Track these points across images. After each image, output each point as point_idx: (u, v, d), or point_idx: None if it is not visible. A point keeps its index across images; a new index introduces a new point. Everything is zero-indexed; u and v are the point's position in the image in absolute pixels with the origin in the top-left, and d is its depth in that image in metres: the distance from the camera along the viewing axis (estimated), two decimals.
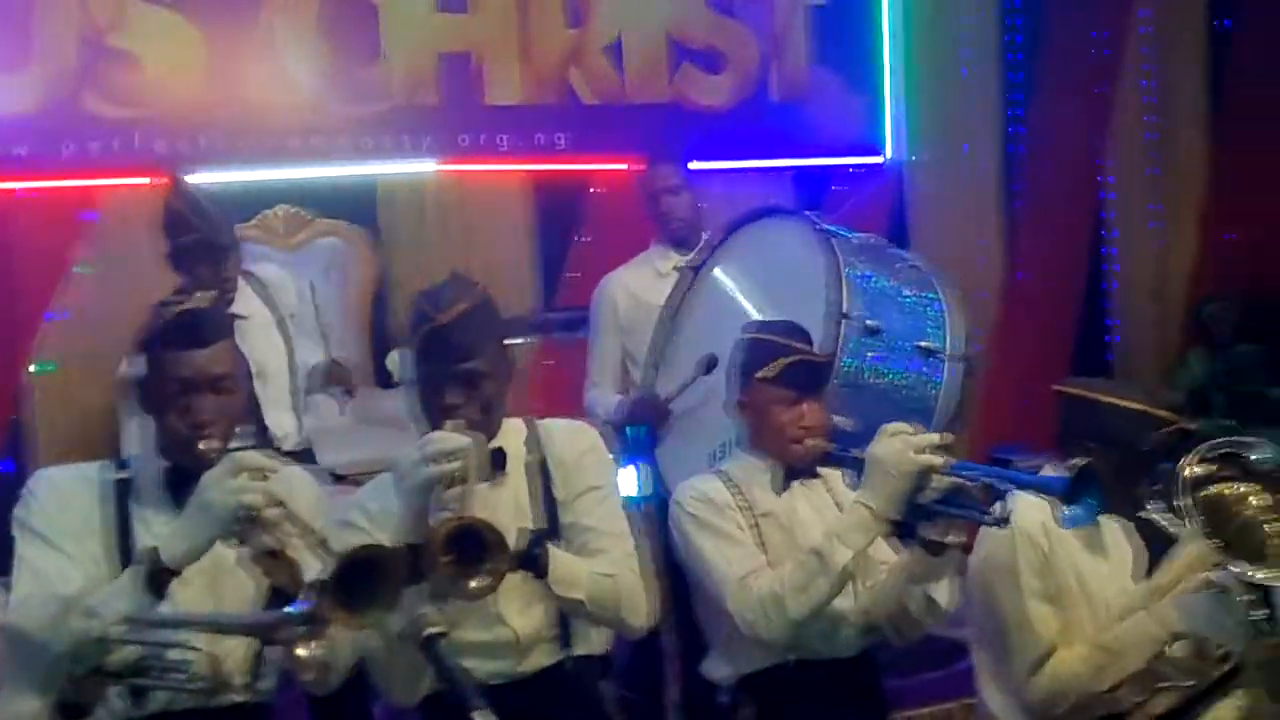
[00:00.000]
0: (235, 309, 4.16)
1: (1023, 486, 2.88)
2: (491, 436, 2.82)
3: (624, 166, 6.09)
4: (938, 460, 2.85)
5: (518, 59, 6.51)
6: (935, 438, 2.90)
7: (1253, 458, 3.08)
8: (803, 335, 3.25)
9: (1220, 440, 3.12)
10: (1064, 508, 2.72)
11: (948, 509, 2.88)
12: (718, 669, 3.21)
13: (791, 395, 3.14)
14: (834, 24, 7.17)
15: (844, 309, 3.69)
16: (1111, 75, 7.82)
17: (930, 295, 3.98)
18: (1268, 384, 7.56)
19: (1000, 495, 2.85)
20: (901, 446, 2.88)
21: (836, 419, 3.31)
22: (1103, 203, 7.94)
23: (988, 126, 7.62)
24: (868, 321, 3.72)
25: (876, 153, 7.38)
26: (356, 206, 6.25)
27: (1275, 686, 3.46)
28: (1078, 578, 3.11)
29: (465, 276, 2.94)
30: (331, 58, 6.15)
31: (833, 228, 4.03)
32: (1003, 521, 2.84)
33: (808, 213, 4.17)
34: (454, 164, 6.41)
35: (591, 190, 6.72)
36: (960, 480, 2.86)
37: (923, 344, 3.81)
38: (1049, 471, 3.19)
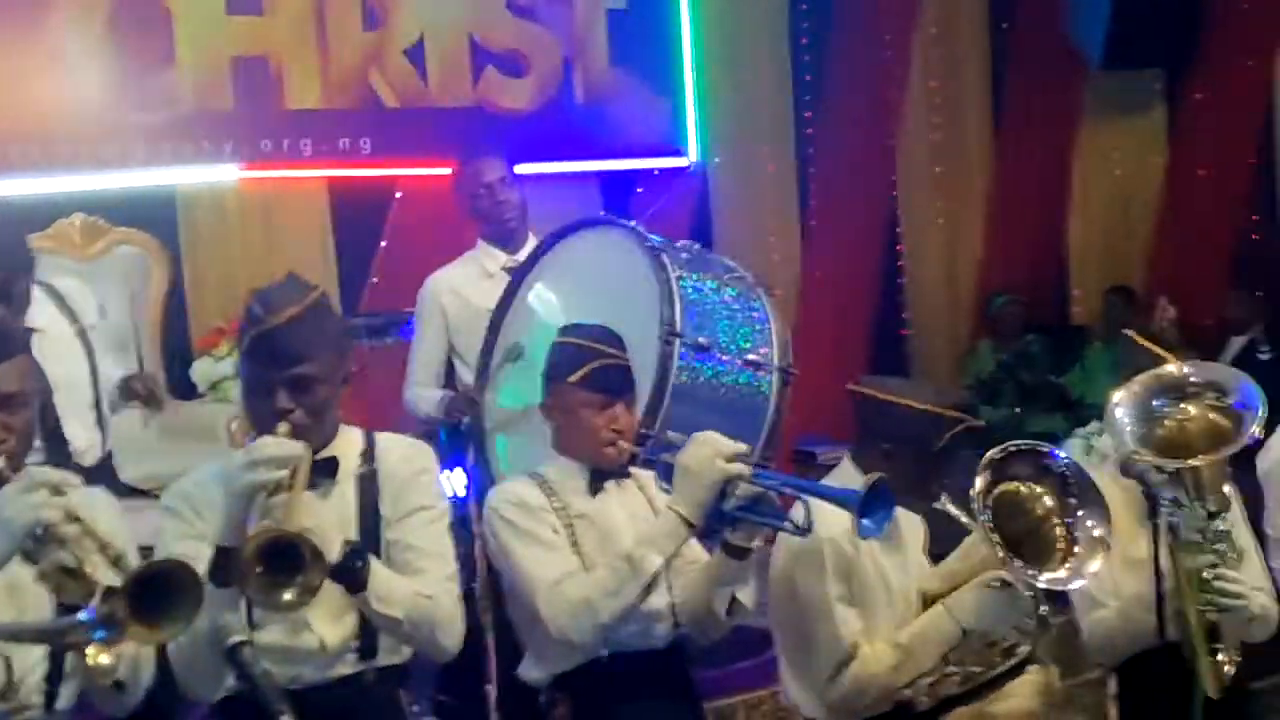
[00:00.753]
0: (31, 321, 4.03)
1: (821, 498, 2.97)
2: (324, 443, 2.80)
3: (446, 170, 6.09)
4: (743, 469, 2.93)
5: (316, 62, 6.45)
6: (743, 447, 2.99)
7: (1047, 460, 3.20)
8: (613, 339, 3.28)
9: (1019, 441, 3.24)
10: (859, 520, 2.83)
11: (750, 516, 2.97)
12: (533, 670, 3.24)
13: (601, 399, 3.17)
14: (633, 27, 7.27)
15: (676, 327, 3.75)
16: (899, 77, 8.06)
17: (754, 304, 4.05)
18: (1051, 372, 7.89)
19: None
20: (710, 454, 2.95)
21: (669, 434, 3.36)
22: (894, 202, 8.19)
23: (781, 128, 7.80)
24: (699, 338, 3.78)
25: (680, 154, 7.49)
26: (157, 214, 6.13)
27: (1066, 662, 3.66)
28: (879, 575, 3.20)
29: (300, 278, 2.89)
30: (124, 62, 6.01)
31: (659, 240, 4.06)
32: (804, 530, 2.93)
33: (635, 225, 4.19)
34: (255, 170, 6.31)
35: (397, 195, 6.69)
36: (763, 489, 2.95)
37: (751, 356, 3.89)
38: (849, 465, 3.33)
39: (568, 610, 3.02)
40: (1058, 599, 3.34)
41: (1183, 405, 3.39)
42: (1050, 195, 8.43)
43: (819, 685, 3.21)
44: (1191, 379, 3.42)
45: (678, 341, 3.73)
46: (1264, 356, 7.53)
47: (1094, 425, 4.65)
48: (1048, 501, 3.16)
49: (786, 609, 3.27)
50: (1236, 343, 7.71)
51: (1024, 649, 3.24)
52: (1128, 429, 3.36)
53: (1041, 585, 3.07)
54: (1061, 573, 3.10)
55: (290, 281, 2.87)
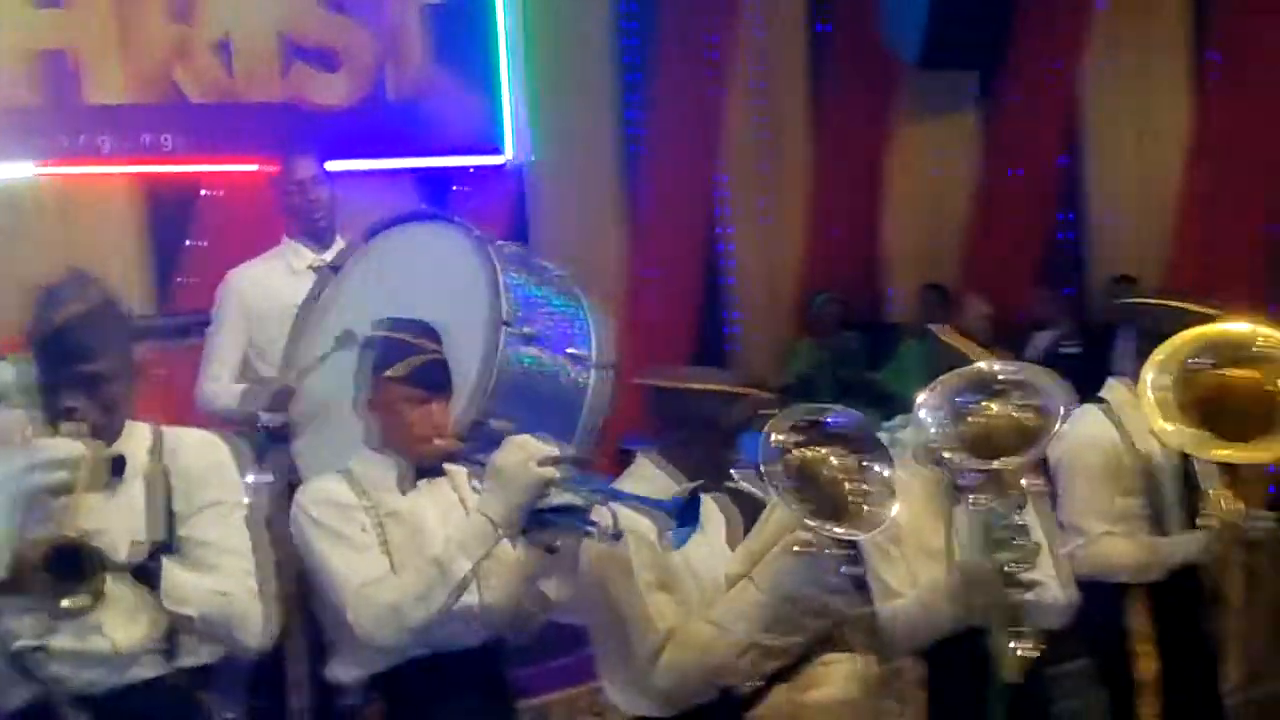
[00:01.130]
0: None
1: (634, 507, 2.97)
2: (112, 441, 2.72)
3: (254, 167, 5.94)
4: (554, 474, 2.92)
5: (118, 56, 6.25)
6: (556, 451, 2.96)
7: (830, 422, 3.24)
8: (432, 334, 3.25)
9: (801, 407, 3.28)
10: (677, 529, 2.84)
11: (561, 520, 2.96)
12: (343, 671, 3.17)
13: (421, 394, 3.14)
14: (451, 23, 7.19)
15: (504, 315, 3.72)
16: (722, 78, 8.13)
17: (576, 304, 4.06)
18: (868, 369, 8.04)
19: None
20: (524, 458, 2.93)
21: (494, 422, 3.33)
22: (717, 200, 8.25)
23: (606, 127, 7.81)
24: (525, 329, 3.75)
25: (498, 153, 7.43)
26: None
27: (878, 649, 3.70)
28: (685, 558, 3.19)
29: (86, 274, 2.82)
30: None
31: (484, 234, 4.03)
32: (615, 536, 2.93)
33: (459, 219, 4.15)
34: (53, 167, 6.09)
35: (205, 192, 6.51)
36: (576, 494, 2.94)
37: (572, 350, 3.88)
38: (645, 460, 3.35)
39: (375, 615, 2.97)
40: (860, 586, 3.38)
41: (989, 403, 3.45)
42: (868, 194, 8.59)
43: (639, 675, 3.19)
44: (1000, 377, 3.49)
45: (505, 330, 3.70)
46: (1069, 351, 7.78)
47: (899, 419, 4.71)
48: (835, 462, 3.20)
49: (599, 604, 3.24)
50: (1043, 338, 7.94)
51: (835, 612, 3.26)
52: (934, 426, 3.41)
53: (841, 536, 3.09)
54: (860, 522, 3.14)
55: (74, 278, 2.79)
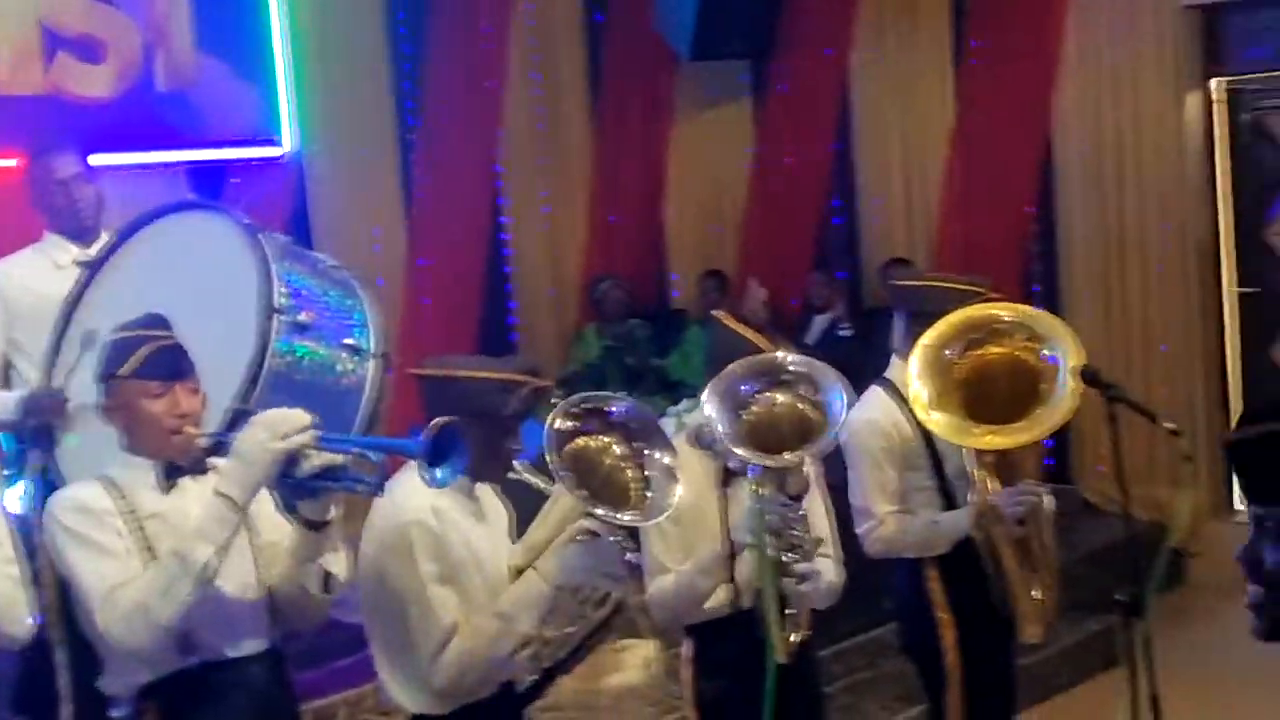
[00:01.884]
0: None
1: (387, 451, 2.97)
2: None
3: (13, 162, 5.69)
4: (299, 440, 2.87)
5: None
6: (306, 418, 2.91)
7: (611, 410, 3.27)
8: (160, 323, 3.14)
9: (580, 395, 3.31)
10: (430, 470, 2.83)
11: (327, 484, 2.92)
12: (113, 682, 3.09)
13: (157, 384, 3.03)
14: (220, 10, 7.01)
15: (275, 303, 3.65)
16: (499, 68, 8.11)
17: (351, 294, 4.02)
18: (655, 356, 8.13)
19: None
20: (263, 436, 2.88)
21: None
22: (498, 190, 8.24)
23: (383, 116, 7.72)
24: (299, 316, 3.69)
25: (274, 144, 7.29)
26: None
27: (661, 630, 3.77)
28: (470, 552, 3.19)
29: None
30: None
31: (254, 223, 3.96)
32: (377, 487, 2.91)
33: (227, 208, 4.07)
34: None
35: None
36: (336, 455, 2.91)
37: (348, 341, 3.84)
38: None
39: (122, 617, 2.89)
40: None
41: (772, 394, 3.53)
42: (648, 183, 8.68)
43: (421, 671, 3.16)
44: (788, 368, 3.57)
45: (278, 318, 3.64)
46: (844, 334, 8.02)
47: (685, 403, 4.83)
48: (617, 450, 3.24)
49: (379, 598, 3.20)
50: (820, 321, 8.15)
51: (614, 599, 3.28)
52: (718, 416, 3.46)
53: (624, 523, 3.12)
54: (643, 509, 3.18)
55: None
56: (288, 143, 7.32)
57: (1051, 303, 7.78)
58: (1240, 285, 7.69)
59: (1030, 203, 7.95)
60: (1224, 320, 7.76)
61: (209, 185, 6.91)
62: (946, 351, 3.86)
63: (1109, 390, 3.66)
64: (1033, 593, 4.02)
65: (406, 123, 7.81)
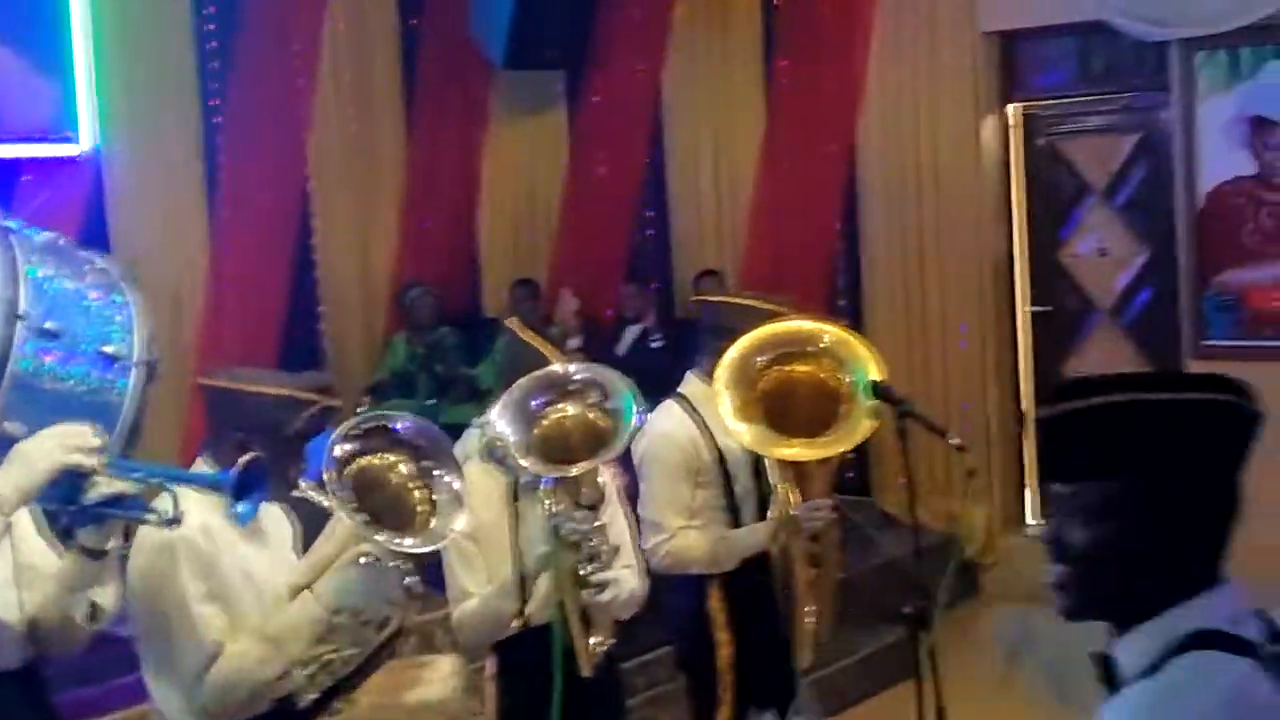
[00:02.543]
0: None
1: (191, 485, 2.88)
2: None
3: None
4: (89, 461, 2.76)
5: None
6: (94, 440, 2.82)
7: (396, 427, 3.22)
8: None
9: (362, 416, 3.25)
10: (234, 504, 2.75)
11: (112, 511, 2.81)
12: None
13: None
14: (16, 2, 6.75)
15: (19, 308, 3.50)
16: (309, 69, 7.95)
17: (117, 299, 3.86)
18: (465, 364, 8.07)
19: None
20: (50, 445, 2.77)
21: (6, 425, 3.12)
22: (307, 194, 8.08)
23: (187, 116, 7.49)
24: (46, 324, 3.54)
25: (71, 141, 7.04)
26: None
27: (467, 651, 3.74)
28: (242, 571, 3.12)
29: None
30: None
31: (14, 224, 3.79)
32: (174, 522, 2.80)
33: None
34: None
35: None
36: (125, 482, 2.81)
37: (107, 349, 3.70)
38: (203, 466, 3.21)
39: None
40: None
41: (562, 405, 3.52)
42: (461, 190, 8.61)
43: (186, 690, 3.07)
44: (574, 378, 3.57)
45: (20, 324, 3.49)
46: (656, 345, 8.09)
47: (489, 414, 4.77)
48: (404, 469, 3.18)
49: (146, 616, 3.11)
50: (631, 331, 8.21)
51: (395, 622, 3.23)
52: (509, 432, 3.44)
53: (406, 550, 3.08)
54: (425, 535, 3.13)
55: None
56: (85, 140, 7.07)
57: (855, 316, 7.97)
58: (1034, 303, 7.98)
59: (836, 219, 8.12)
60: (1018, 337, 8.04)
61: (1, 183, 6.64)
62: (758, 359, 3.90)
63: (900, 406, 3.77)
64: (807, 616, 4.06)
65: (212, 123, 7.59)
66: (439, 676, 3.64)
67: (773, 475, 4.01)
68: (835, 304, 8.14)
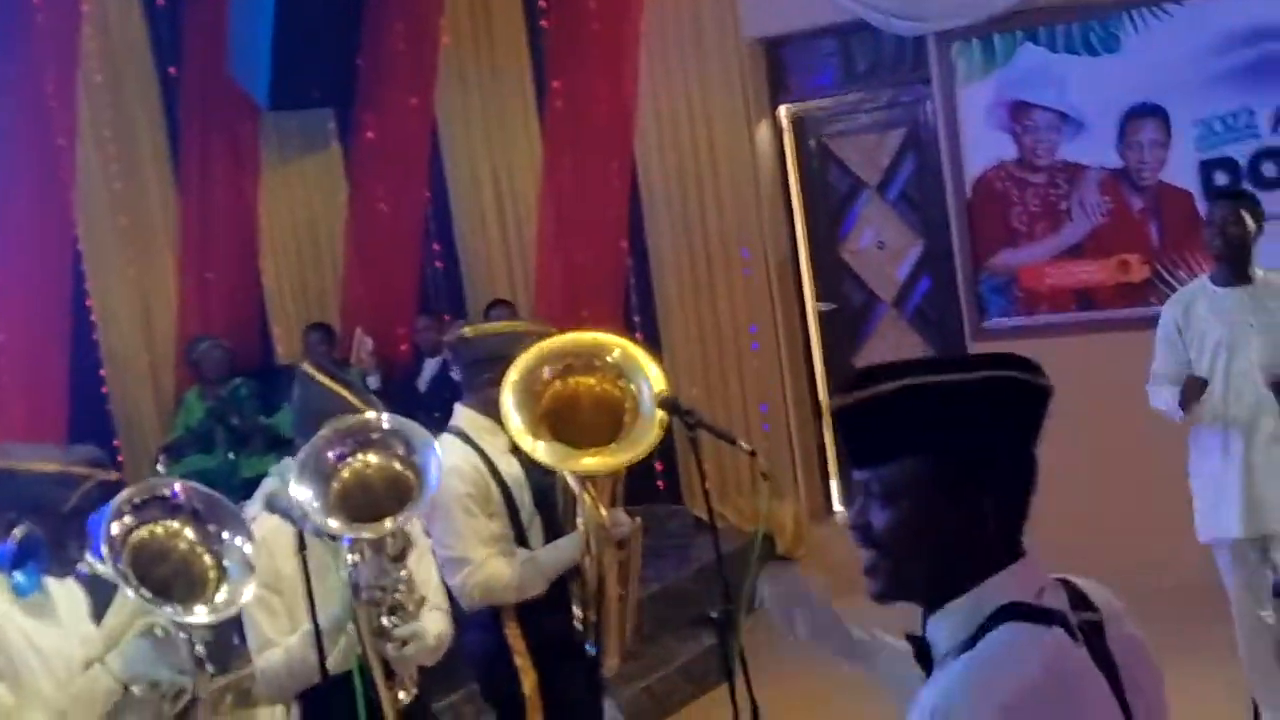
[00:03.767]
0: None
1: None
2: None
3: None
4: None
5: None
6: None
7: (170, 494, 3.16)
8: None
9: (131, 490, 3.17)
10: (13, 576, 2.66)
11: None
12: None
13: None
14: None
15: None
16: (67, 127, 7.67)
17: None
18: (262, 414, 7.89)
19: None
20: None
21: None
22: (78, 254, 7.81)
23: None
24: None
25: None
26: None
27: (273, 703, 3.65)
28: (30, 646, 3.03)
29: None
30: None
31: None
32: None
33: None
34: None
35: None
36: None
37: None
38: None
39: None
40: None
41: (363, 456, 3.46)
42: (239, 237, 8.43)
43: None
44: (379, 427, 3.51)
45: None
46: (457, 377, 8.00)
47: (288, 461, 4.69)
48: (189, 535, 3.12)
49: None
50: (431, 365, 8.13)
51: (188, 694, 3.14)
52: (307, 489, 3.37)
53: (190, 621, 3.02)
54: (214, 607, 3.07)
55: None
56: None
57: (651, 330, 8.03)
58: (820, 300, 8.15)
59: (623, 236, 8.17)
60: (809, 334, 8.20)
61: None
62: (542, 374, 3.90)
63: (688, 417, 3.81)
64: (615, 625, 4.07)
65: None
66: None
67: (575, 486, 4.00)
68: (630, 319, 8.19)
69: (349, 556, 3.37)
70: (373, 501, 3.40)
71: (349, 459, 3.43)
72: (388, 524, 3.36)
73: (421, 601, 3.48)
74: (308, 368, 3.81)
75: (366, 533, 3.34)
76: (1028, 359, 1.79)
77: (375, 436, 3.48)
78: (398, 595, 3.39)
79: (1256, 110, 6.59)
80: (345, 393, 3.61)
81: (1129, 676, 1.76)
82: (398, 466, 3.44)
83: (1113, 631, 1.79)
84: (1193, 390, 4.89)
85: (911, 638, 1.80)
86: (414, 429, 3.52)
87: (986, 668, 1.68)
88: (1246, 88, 6.59)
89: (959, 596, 1.75)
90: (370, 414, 3.52)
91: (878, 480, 1.77)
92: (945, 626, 1.76)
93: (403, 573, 3.43)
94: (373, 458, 3.45)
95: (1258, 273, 5.01)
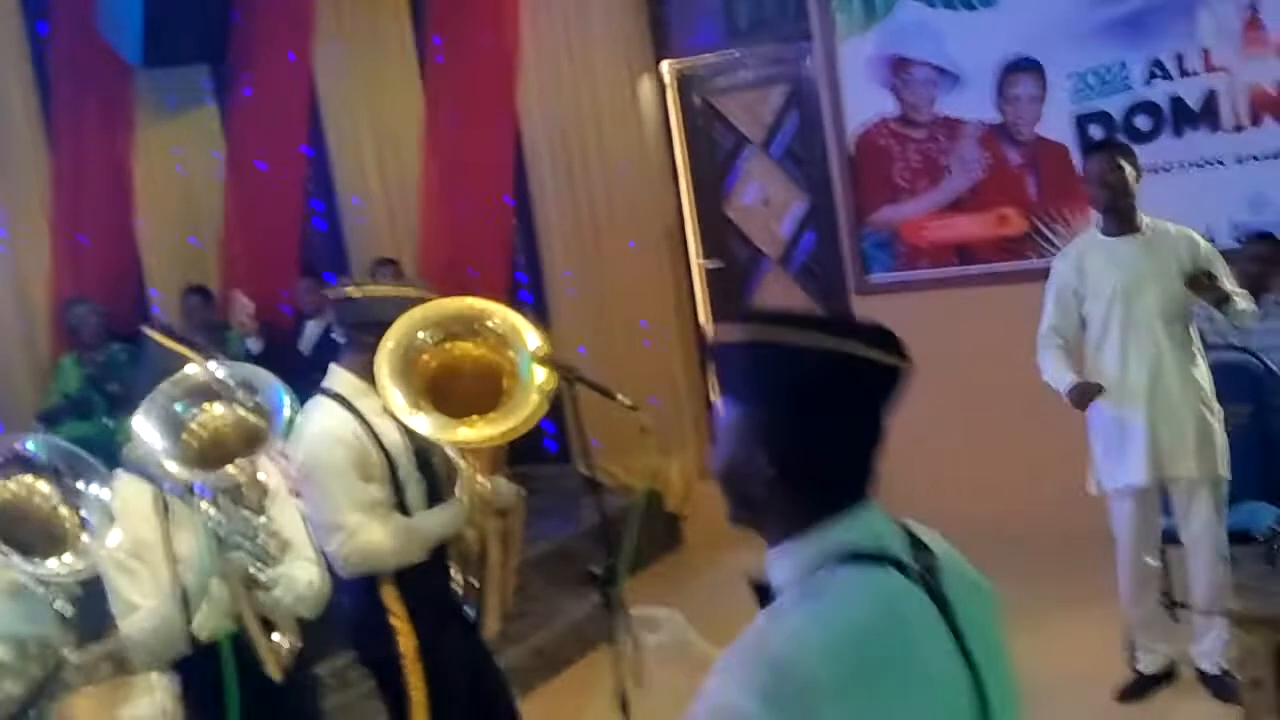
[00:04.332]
0: None
1: None
2: None
3: None
4: None
5: None
6: None
7: (24, 450, 3.10)
8: None
9: None
10: None
11: None
12: None
13: None
14: None
15: None
16: None
17: None
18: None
19: None
20: None
21: None
22: None
23: None
24: None
25: None
26: None
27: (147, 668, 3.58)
28: None
29: None
30: None
31: None
32: None
33: None
34: None
35: None
36: None
37: None
38: None
39: None
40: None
41: (210, 406, 3.40)
42: (114, 198, 8.21)
43: None
44: (219, 378, 3.45)
45: None
46: (340, 338, 7.89)
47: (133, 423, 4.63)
48: (44, 489, 3.06)
49: None
50: (313, 327, 8.01)
51: (55, 655, 3.09)
52: (158, 443, 3.32)
53: (44, 573, 2.97)
54: (73, 555, 3.02)
55: None
56: None
57: (538, 290, 8.00)
58: (706, 258, 8.17)
59: (507, 191, 8.11)
60: (695, 293, 8.22)
61: None
62: (418, 340, 3.84)
63: (566, 372, 3.78)
64: (495, 588, 4.05)
65: None
66: (147, 691, 3.49)
67: (455, 456, 3.96)
68: (516, 280, 8.15)
69: (209, 510, 3.33)
70: (226, 452, 3.35)
71: (198, 412, 3.37)
72: (233, 467, 3.32)
73: (286, 545, 3.44)
74: (150, 331, 3.72)
75: (215, 478, 3.30)
76: (889, 333, 1.78)
77: (217, 388, 3.42)
78: (260, 541, 3.36)
79: (1129, 63, 6.70)
80: (191, 355, 3.53)
81: (965, 616, 1.79)
82: (245, 414, 3.40)
83: (949, 574, 1.82)
84: (1087, 396, 4.95)
85: (753, 584, 1.81)
86: (256, 374, 3.47)
87: (823, 607, 1.69)
88: (1120, 41, 6.70)
89: (796, 536, 1.77)
90: (207, 366, 3.46)
91: (720, 414, 1.83)
92: (783, 564, 1.78)
93: (263, 519, 3.40)
94: (220, 409, 3.39)
95: (1144, 220, 5.06)
